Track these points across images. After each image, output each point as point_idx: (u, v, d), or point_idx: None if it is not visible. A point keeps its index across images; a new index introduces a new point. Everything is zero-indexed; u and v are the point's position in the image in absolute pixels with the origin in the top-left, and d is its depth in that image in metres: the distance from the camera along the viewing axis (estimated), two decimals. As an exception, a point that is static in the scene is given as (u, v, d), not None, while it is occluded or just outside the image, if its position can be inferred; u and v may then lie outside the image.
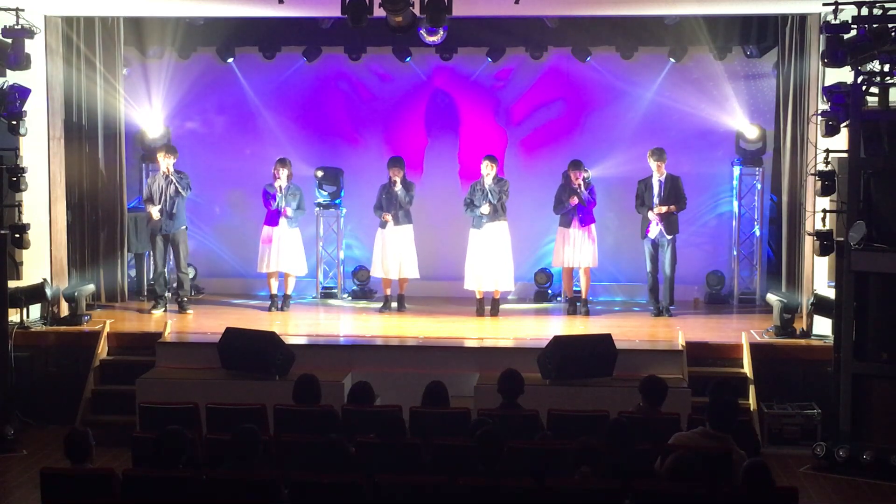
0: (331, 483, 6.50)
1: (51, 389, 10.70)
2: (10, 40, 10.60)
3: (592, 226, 12.36)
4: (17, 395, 10.43)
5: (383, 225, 12.45)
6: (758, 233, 13.47)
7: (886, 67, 9.35)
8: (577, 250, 12.32)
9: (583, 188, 12.19)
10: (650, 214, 12.17)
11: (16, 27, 10.62)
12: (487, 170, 12.12)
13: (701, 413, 7.54)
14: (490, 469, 6.56)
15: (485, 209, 12.07)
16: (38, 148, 11.87)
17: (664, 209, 12.11)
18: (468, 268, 12.39)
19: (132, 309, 12.76)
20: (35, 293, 11.52)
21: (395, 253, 12.46)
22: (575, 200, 12.17)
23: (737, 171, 13.45)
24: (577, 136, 13.80)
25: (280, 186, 12.41)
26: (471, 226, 12.33)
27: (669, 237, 12.26)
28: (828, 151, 10.00)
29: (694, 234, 13.58)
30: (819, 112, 10.56)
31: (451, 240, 12.82)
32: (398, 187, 12.30)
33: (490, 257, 12.25)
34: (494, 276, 12.29)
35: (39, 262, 11.86)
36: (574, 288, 12.72)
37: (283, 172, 12.42)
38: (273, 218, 12.50)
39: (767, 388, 10.34)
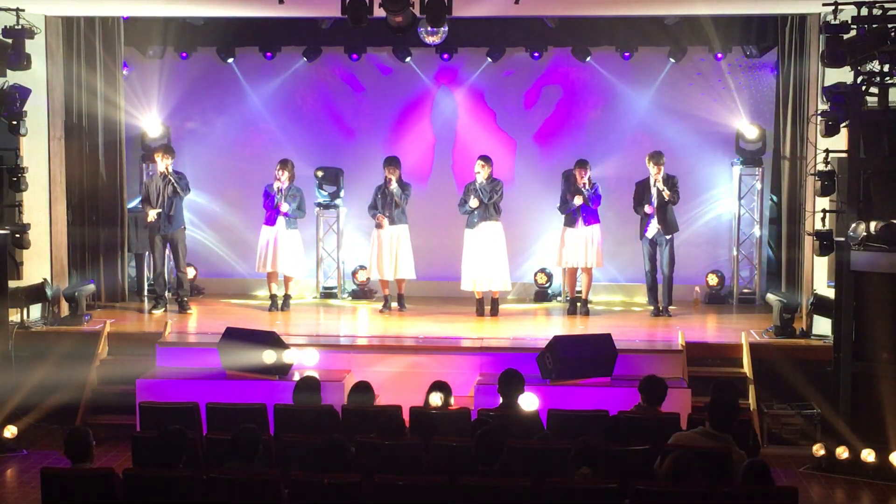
0: (331, 483, 6.50)
1: (51, 389, 10.69)
2: (10, 40, 10.61)
3: (597, 225, 12.35)
4: (17, 395, 10.43)
5: (379, 225, 12.44)
6: (758, 233, 13.48)
7: (886, 67, 9.36)
8: (580, 250, 12.32)
9: (588, 187, 12.19)
10: (646, 208, 12.14)
11: (16, 27, 10.63)
12: (478, 169, 12.12)
13: (701, 413, 7.54)
14: (490, 469, 6.56)
15: (473, 203, 12.06)
16: (38, 148, 11.88)
17: (664, 188, 12.02)
18: (464, 268, 12.39)
19: (132, 309, 12.77)
20: (35, 293, 11.53)
21: (390, 253, 12.45)
22: (579, 200, 12.17)
23: (737, 171, 13.46)
24: (576, 136, 13.81)
25: (279, 188, 12.40)
26: (465, 226, 12.33)
27: (668, 237, 12.25)
28: (828, 151, 9.99)
29: (694, 234, 13.59)
30: (819, 112, 10.56)
31: (452, 240, 12.82)
32: (394, 186, 12.29)
33: (485, 258, 12.24)
34: (489, 277, 12.29)
35: (40, 262, 11.87)
36: (575, 288, 12.73)
37: (284, 174, 12.40)
38: (271, 218, 12.49)
39: (767, 388, 10.33)
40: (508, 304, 13.05)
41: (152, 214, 12.22)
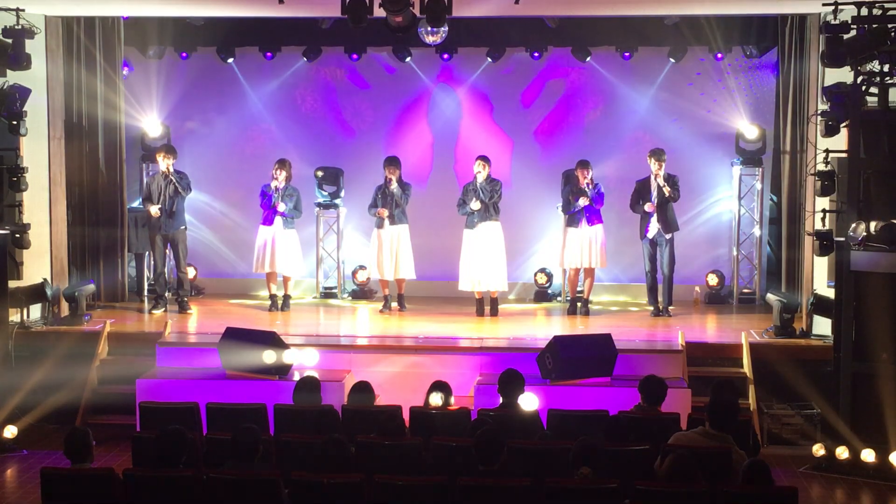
0: (331, 483, 6.50)
1: (51, 389, 10.68)
2: (10, 40, 10.60)
3: (600, 225, 12.34)
4: (17, 395, 10.42)
5: (379, 224, 12.43)
6: (758, 233, 13.47)
7: (886, 67, 9.35)
8: (584, 251, 12.31)
9: (590, 187, 12.19)
10: (647, 206, 12.12)
11: (16, 27, 10.63)
12: (479, 169, 12.11)
13: (701, 413, 7.54)
14: (490, 469, 6.56)
15: (475, 205, 12.06)
16: (38, 148, 11.89)
17: (664, 185, 12.00)
18: (462, 268, 12.38)
19: (132, 309, 12.77)
20: (35, 293, 11.54)
21: (390, 253, 12.45)
22: (584, 202, 12.15)
23: (737, 171, 13.46)
24: (576, 136, 13.82)
25: (276, 187, 12.40)
26: (464, 226, 12.32)
27: (668, 236, 12.24)
28: (828, 151, 9.99)
29: (694, 234, 13.59)
30: (819, 112, 10.56)
31: (452, 239, 12.80)
32: (394, 186, 12.29)
33: (483, 258, 12.23)
34: (488, 277, 12.28)
35: (40, 262, 11.87)
36: (577, 288, 12.73)
37: (281, 174, 12.40)
38: (269, 218, 12.48)
39: (767, 388, 10.33)
40: (508, 304, 13.05)
41: (154, 210, 12.21)
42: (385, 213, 12.30)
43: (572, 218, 12.35)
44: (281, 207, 12.36)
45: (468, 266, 12.33)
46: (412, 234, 12.57)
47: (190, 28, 13.20)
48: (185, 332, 11.68)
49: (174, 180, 12.21)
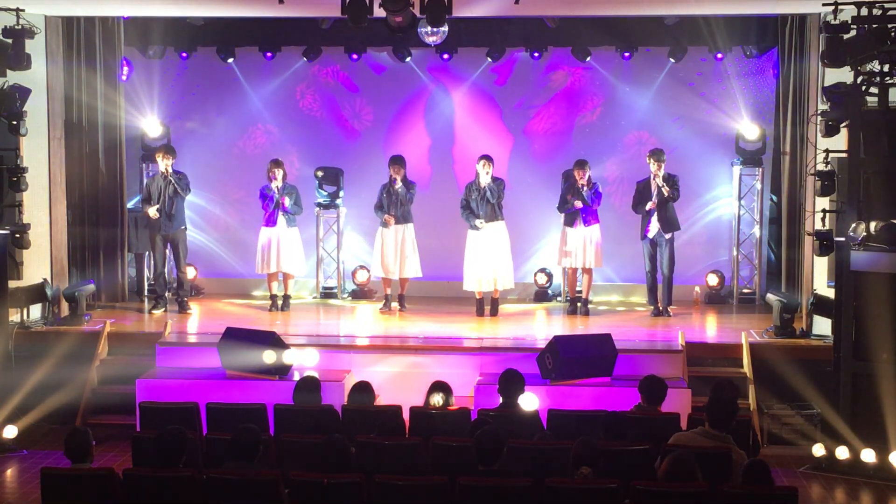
0: (331, 483, 6.51)
1: (51, 389, 10.69)
2: (10, 40, 10.61)
3: (597, 225, 12.33)
4: (17, 395, 10.43)
5: (384, 224, 12.43)
6: (758, 233, 13.47)
7: (886, 67, 9.36)
8: (580, 251, 12.31)
9: (587, 188, 12.18)
10: (648, 204, 12.09)
11: (16, 27, 10.63)
12: (486, 169, 12.09)
13: (701, 413, 7.55)
14: (490, 469, 6.56)
15: (479, 224, 12.05)
16: (38, 148, 11.89)
17: (663, 186, 12.00)
18: (467, 268, 12.38)
19: (132, 309, 12.78)
20: (35, 293, 11.54)
21: (395, 252, 12.45)
22: (579, 203, 12.14)
23: (737, 171, 13.45)
24: (576, 135, 13.82)
25: (276, 187, 12.41)
26: (469, 226, 12.31)
27: (668, 236, 12.24)
28: (828, 151, 9.99)
29: (694, 234, 13.59)
30: (819, 112, 10.57)
31: (453, 239, 12.81)
32: (399, 186, 12.29)
33: (489, 257, 12.23)
34: (494, 276, 12.28)
35: (40, 262, 11.88)
36: (576, 288, 12.73)
37: (279, 173, 12.42)
38: (271, 219, 12.49)
39: (767, 388, 10.33)
40: (508, 304, 13.04)
41: (153, 212, 12.23)
42: (392, 220, 12.28)
43: (569, 218, 12.35)
44: (287, 203, 12.36)
45: (473, 266, 12.31)
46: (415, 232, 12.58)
47: (190, 28, 13.21)
48: (185, 332, 11.69)
49: (173, 181, 12.22)
